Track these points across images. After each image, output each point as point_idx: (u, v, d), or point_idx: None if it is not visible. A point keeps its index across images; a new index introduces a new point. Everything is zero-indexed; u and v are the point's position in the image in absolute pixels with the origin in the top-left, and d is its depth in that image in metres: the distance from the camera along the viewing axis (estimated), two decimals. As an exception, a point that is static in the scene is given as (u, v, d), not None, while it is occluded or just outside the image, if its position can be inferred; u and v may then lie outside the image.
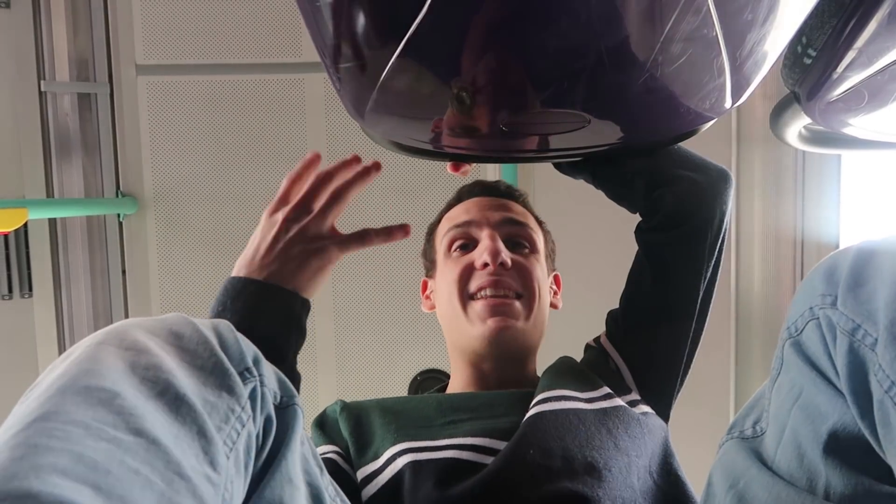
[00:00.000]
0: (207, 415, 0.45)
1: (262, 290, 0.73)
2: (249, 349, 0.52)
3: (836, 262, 0.54)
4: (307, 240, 0.75)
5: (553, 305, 1.02)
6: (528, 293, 0.93)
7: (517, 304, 0.91)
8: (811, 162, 1.88)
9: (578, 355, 0.97)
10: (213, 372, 0.48)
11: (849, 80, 0.76)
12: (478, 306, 0.91)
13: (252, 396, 0.49)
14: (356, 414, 0.86)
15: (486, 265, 0.91)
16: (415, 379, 2.08)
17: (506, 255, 0.92)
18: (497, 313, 0.90)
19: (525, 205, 1.03)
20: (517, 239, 0.96)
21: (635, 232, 0.92)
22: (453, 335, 0.97)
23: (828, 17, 0.70)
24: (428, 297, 1.06)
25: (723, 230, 0.89)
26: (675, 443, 0.92)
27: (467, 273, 0.93)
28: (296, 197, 0.80)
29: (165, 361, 0.46)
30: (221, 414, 0.46)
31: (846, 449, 0.52)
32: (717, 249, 0.89)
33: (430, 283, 1.06)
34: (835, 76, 0.75)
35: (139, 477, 0.38)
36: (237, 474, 0.46)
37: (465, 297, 0.93)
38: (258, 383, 0.51)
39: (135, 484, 0.38)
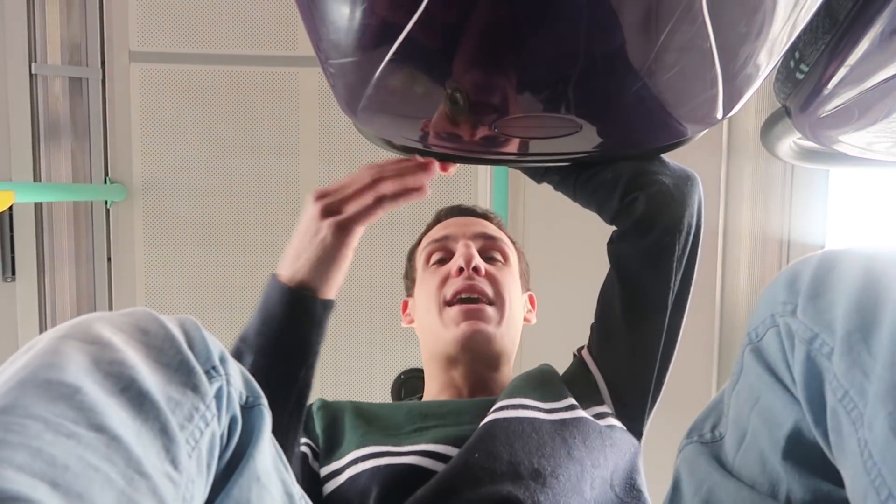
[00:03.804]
0: (171, 412, 0.44)
1: (287, 297, 0.75)
2: (216, 347, 0.51)
3: (798, 271, 0.55)
4: (333, 236, 0.76)
5: (526, 320, 1.05)
6: (499, 300, 0.96)
7: (489, 309, 0.94)
8: (800, 174, 1.90)
9: (564, 365, 0.98)
10: (179, 369, 0.47)
11: (840, 96, 0.77)
12: (452, 311, 0.94)
13: (217, 395, 0.49)
14: (332, 414, 0.89)
15: (461, 270, 0.95)
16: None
17: (479, 262, 0.95)
18: (470, 317, 0.93)
19: (500, 226, 1.08)
20: (491, 252, 1.01)
21: (607, 244, 0.93)
22: (429, 342, 0.99)
23: (821, 34, 0.70)
24: (408, 314, 1.10)
25: (689, 243, 0.89)
26: (657, 447, 0.92)
27: (444, 281, 0.97)
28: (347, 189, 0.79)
29: (130, 357, 0.45)
30: (185, 412, 0.45)
31: (803, 454, 0.53)
32: (685, 262, 0.89)
33: (410, 301, 1.10)
34: (826, 92, 0.76)
35: (98, 474, 0.37)
36: (199, 473, 0.46)
37: (441, 303, 0.96)
38: (224, 382, 0.50)
39: (94, 481, 0.37)
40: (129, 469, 0.39)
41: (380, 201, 0.76)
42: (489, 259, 0.99)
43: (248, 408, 0.53)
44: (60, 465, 0.36)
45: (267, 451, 0.54)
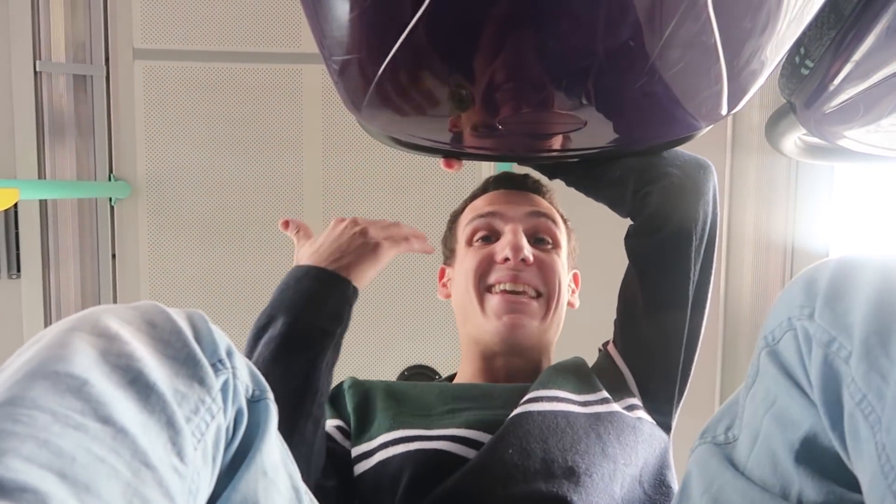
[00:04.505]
0: (177, 405, 0.44)
1: (321, 274, 0.81)
2: (223, 341, 0.52)
3: (815, 275, 0.55)
4: (365, 238, 0.86)
5: (570, 304, 1.01)
6: (547, 291, 0.92)
7: (534, 303, 0.91)
8: (804, 172, 1.89)
9: (592, 355, 0.97)
10: (185, 362, 0.47)
11: (845, 92, 0.76)
12: (494, 301, 0.91)
13: (224, 388, 0.49)
14: (363, 392, 0.88)
15: (506, 259, 0.91)
16: (402, 374, 2.08)
17: (528, 251, 0.91)
18: (513, 311, 0.90)
19: (551, 201, 1.02)
20: (540, 234, 0.95)
21: (625, 239, 0.92)
22: (467, 326, 0.96)
23: (826, 30, 0.70)
24: (445, 286, 1.06)
25: (707, 233, 0.88)
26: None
27: (487, 265, 0.93)
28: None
29: (137, 350, 0.45)
30: (191, 405, 0.46)
31: (818, 458, 0.52)
32: (703, 252, 0.89)
33: (448, 270, 1.05)
34: (831, 88, 0.76)
35: (105, 465, 0.38)
36: (205, 465, 0.46)
37: (482, 290, 0.92)
38: (230, 375, 0.50)
39: (100, 472, 0.37)
40: (135, 461, 0.40)
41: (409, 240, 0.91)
42: (538, 241, 0.95)
43: (255, 401, 0.53)
44: (67, 456, 0.37)
45: (273, 444, 0.54)
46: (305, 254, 0.86)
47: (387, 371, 2.08)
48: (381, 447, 0.77)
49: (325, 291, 0.80)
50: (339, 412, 0.88)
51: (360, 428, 0.83)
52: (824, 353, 0.50)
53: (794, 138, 1.05)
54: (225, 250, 2.10)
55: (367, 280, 0.84)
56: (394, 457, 0.75)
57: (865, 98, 0.77)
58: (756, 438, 0.58)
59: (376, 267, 0.85)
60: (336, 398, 0.91)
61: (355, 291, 0.82)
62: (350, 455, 0.81)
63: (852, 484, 0.49)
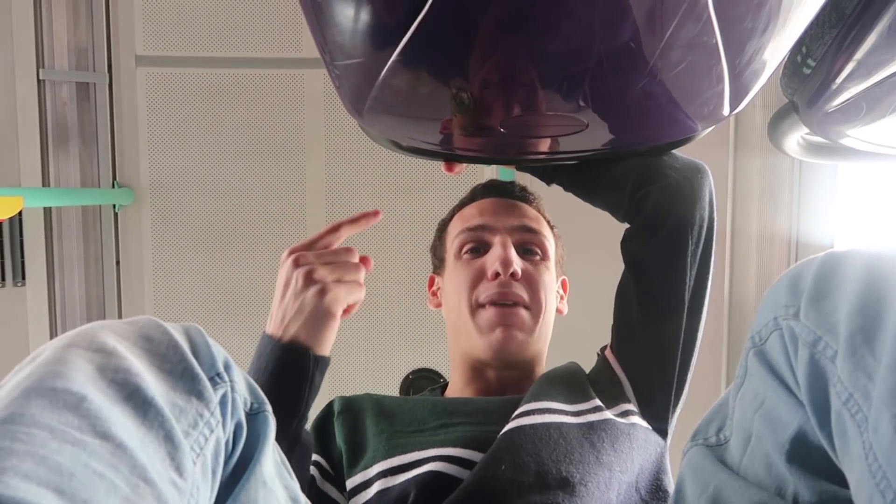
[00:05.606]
0: (175, 419, 0.44)
1: (276, 349, 0.76)
2: (220, 354, 0.52)
3: (800, 273, 0.54)
4: (312, 288, 0.77)
5: (558, 311, 1.02)
6: (535, 304, 0.93)
7: (524, 314, 0.91)
8: (808, 171, 1.89)
9: (591, 359, 0.97)
10: (183, 376, 0.47)
11: (847, 91, 0.76)
12: (485, 315, 0.91)
13: (222, 402, 0.49)
14: (353, 417, 0.87)
15: (496, 275, 0.91)
16: (406, 377, 2.08)
17: (517, 265, 0.91)
18: (503, 324, 0.90)
19: (538, 209, 1.02)
20: (529, 245, 0.96)
21: (621, 244, 0.92)
22: (459, 339, 0.97)
23: (828, 28, 0.70)
24: (434, 294, 1.06)
25: (703, 238, 0.88)
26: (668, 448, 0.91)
27: (477, 280, 0.93)
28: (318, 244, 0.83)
29: (134, 365, 0.45)
30: (190, 419, 0.46)
31: (808, 457, 0.52)
32: (699, 257, 0.88)
33: (437, 279, 1.05)
34: (833, 87, 0.76)
35: (104, 481, 0.38)
36: (204, 480, 0.46)
37: (474, 306, 0.93)
38: (229, 389, 0.50)
39: (99, 488, 0.37)
40: (133, 476, 0.39)
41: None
42: (526, 252, 0.95)
43: (253, 414, 0.53)
44: (66, 472, 0.37)
45: (271, 456, 0.54)
46: (273, 309, 0.80)
47: (390, 374, 2.08)
48: (379, 476, 0.77)
49: (280, 373, 0.74)
50: (325, 446, 0.87)
51: (354, 458, 0.83)
52: (810, 352, 0.50)
53: (797, 138, 1.05)
54: (229, 256, 2.10)
55: (328, 344, 0.78)
56: (393, 487, 0.75)
57: (868, 96, 0.77)
58: (748, 439, 0.58)
59: (333, 327, 0.78)
60: (325, 424, 0.89)
61: (319, 362, 0.76)
62: (328, 497, 0.80)
63: (844, 481, 0.49)
